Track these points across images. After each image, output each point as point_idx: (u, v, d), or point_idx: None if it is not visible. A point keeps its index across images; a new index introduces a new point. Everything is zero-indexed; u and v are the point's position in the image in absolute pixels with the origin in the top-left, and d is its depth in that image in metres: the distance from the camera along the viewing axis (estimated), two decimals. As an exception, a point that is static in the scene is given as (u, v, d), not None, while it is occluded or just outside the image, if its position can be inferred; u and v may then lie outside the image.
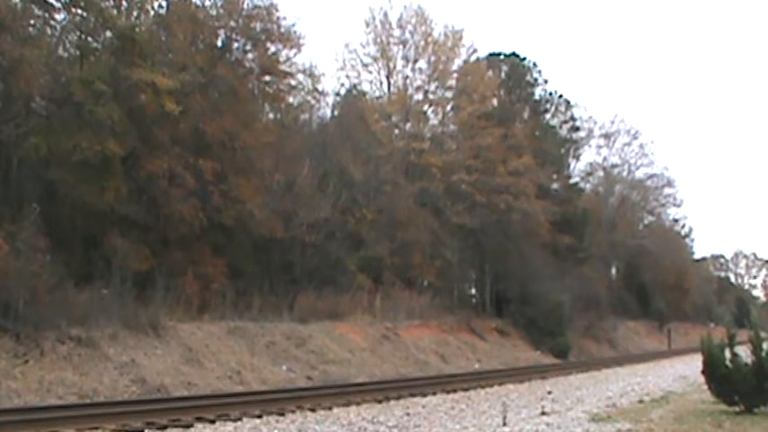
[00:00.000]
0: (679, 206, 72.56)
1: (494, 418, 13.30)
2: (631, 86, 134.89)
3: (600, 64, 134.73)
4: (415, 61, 39.48)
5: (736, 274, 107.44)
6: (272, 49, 28.30)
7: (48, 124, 21.46)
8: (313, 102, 34.80)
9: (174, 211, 23.54)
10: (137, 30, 23.66)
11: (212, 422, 12.54)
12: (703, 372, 14.17)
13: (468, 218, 37.45)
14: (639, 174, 66.02)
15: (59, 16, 22.95)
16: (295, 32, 28.26)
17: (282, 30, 27.77)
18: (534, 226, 41.23)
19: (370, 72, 40.23)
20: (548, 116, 51.23)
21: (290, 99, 31.92)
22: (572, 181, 55.32)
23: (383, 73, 40.09)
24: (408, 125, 39.78)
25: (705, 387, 14.66)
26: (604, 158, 63.95)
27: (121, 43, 23.00)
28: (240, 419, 12.96)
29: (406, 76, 39.68)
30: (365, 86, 40.54)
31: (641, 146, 64.70)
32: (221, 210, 24.94)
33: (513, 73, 46.63)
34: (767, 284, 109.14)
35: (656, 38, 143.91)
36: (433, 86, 40.21)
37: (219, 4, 26.69)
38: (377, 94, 40.55)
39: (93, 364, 16.03)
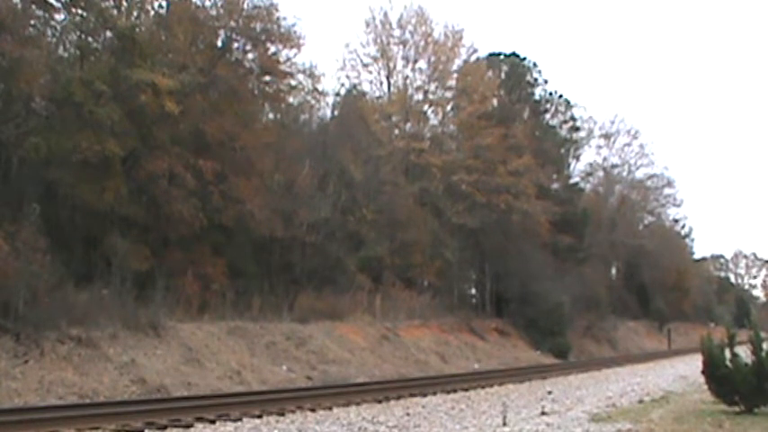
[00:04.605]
0: (679, 206, 72.60)
1: (494, 418, 13.29)
2: (631, 86, 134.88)
3: (600, 64, 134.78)
4: (415, 61, 39.54)
5: (736, 274, 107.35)
6: (272, 49, 28.30)
7: (48, 124, 21.46)
8: (313, 102, 34.85)
9: (174, 211, 23.54)
10: (137, 30, 23.68)
11: (212, 422, 12.53)
12: (703, 372, 14.15)
13: (468, 218, 37.44)
14: (639, 174, 66.09)
15: (59, 16, 22.99)
16: (295, 32, 28.30)
17: (282, 30, 27.77)
18: (534, 226, 41.24)
19: (370, 72, 40.32)
20: (548, 116, 51.24)
21: (290, 99, 31.95)
22: (572, 181, 55.33)
23: (383, 73, 40.17)
24: (408, 125, 39.80)
25: (705, 387, 14.64)
26: (604, 158, 64.02)
27: (121, 43, 23.01)
28: (240, 419, 12.95)
29: (406, 76, 39.74)
30: (365, 86, 40.65)
31: (641, 146, 64.75)
32: (221, 210, 24.94)
33: (513, 73, 46.63)
34: (767, 284, 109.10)
35: (656, 38, 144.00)
36: (433, 86, 40.25)
37: (219, 4, 26.69)
38: (377, 94, 40.66)
39: (93, 364, 16.03)
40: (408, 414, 14.37)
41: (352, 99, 39.09)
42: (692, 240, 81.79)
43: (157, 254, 23.41)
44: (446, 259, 37.31)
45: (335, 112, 38.64)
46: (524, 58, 47.82)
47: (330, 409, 14.90)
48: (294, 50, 28.80)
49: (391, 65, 39.90)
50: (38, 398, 13.97)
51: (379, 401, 16.49)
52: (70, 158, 20.83)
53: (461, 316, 35.82)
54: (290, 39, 28.24)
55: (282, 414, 13.87)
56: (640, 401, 16.61)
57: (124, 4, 24.63)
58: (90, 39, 23.99)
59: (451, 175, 37.93)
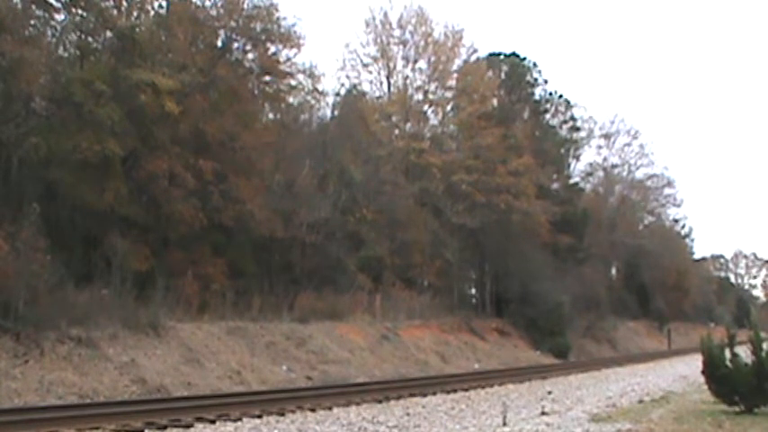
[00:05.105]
0: (679, 206, 72.60)
1: (494, 418, 13.29)
2: (631, 86, 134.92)
3: (600, 64, 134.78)
4: (415, 61, 39.55)
5: (736, 274, 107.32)
6: (272, 49, 28.32)
7: (48, 124, 21.46)
8: (313, 102, 34.81)
9: (174, 211, 23.55)
10: (137, 30, 23.68)
11: (212, 422, 12.53)
12: (703, 372, 14.16)
13: (468, 218, 37.43)
14: (639, 174, 66.11)
15: (59, 16, 23.00)
16: (295, 32, 28.30)
17: (282, 30, 27.78)
18: (534, 226, 41.23)
19: (370, 72, 40.35)
20: (548, 116, 51.23)
21: (290, 99, 31.93)
22: (572, 181, 55.34)
23: (383, 73, 40.20)
24: (408, 125, 39.79)
25: (705, 387, 14.65)
26: (604, 158, 64.03)
27: (121, 43, 23.03)
28: (240, 419, 12.96)
29: (406, 76, 39.74)
30: (365, 86, 40.67)
31: (641, 146, 64.78)
32: (221, 210, 24.94)
33: (513, 73, 46.61)
34: (767, 284, 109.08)
35: (656, 38, 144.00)
36: (433, 86, 40.26)
37: (219, 4, 26.70)
38: (377, 94, 40.68)
39: (93, 364, 16.03)
40: (408, 414, 14.37)
41: (352, 99, 39.08)
42: (692, 240, 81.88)
43: (157, 254, 23.41)
44: (446, 259, 37.31)
45: (335, 112, 38.63)
46: (524, 58, 47.83)
47: (330, 409, 14.90)
48: (294, 50, 28.85)
49: (391, 65, 39.95)
50: (38, 398, 13.96)
51: (379, 401, 16.49)
52: (70, 158, 20.83)
53: (461, 316, 35.80)
54: (290, 39, 28.24)
55: (282, 414, 13.87)
56: (640, 401, 16.61)
57: (124, 4, 24.63)
58: (90, 39, 23.99)
59: (451, 175, 37.93)
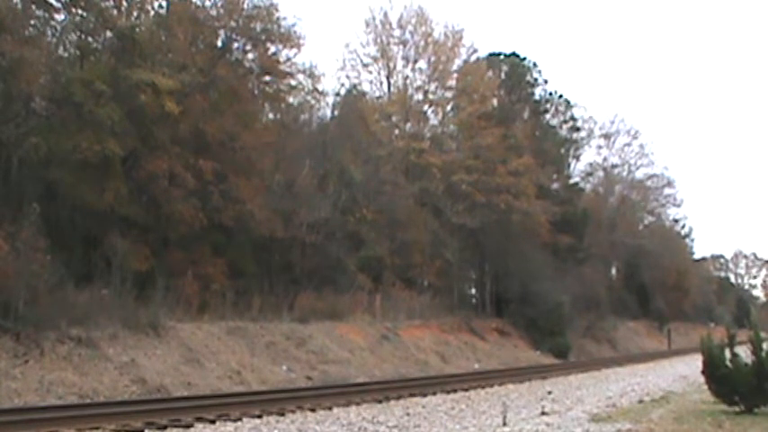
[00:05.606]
0: (679, 206, 72.62)
1: (494, 418, 13.30)
2: (631, 86, 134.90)
3: (600, 64, 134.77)
4: (415, 61, 39.56)
5: (736, 274, 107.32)
6: (272, 49, 28.33)
7: (48, 124, 21.47)
8: (313, 102, 34.81)
9: (174, 211, 23.55)
10: (137, 30, 23.69)
11: (212, 422, 12.54)
12: (703, 372, 14.16)
13: (468, 218, 37.43)
14: (639, 174, 66.13)
15: (59, 16, 23.01)
16: (295, 32, 28.31)
17: (282, 30, 27.79)
18: (534, 226, 41.24)
19: (370, 72, 40.37)
20: (548, 116, 51.25)
21: (290, 99, 31.94)
22: (572, 181, 55.36)
23: (383, 73, 40.22)
24: (408, 125, 39.80)
25: (705, 387, 14.65)
26: (604, 158, 64.05)
27: (121, 43, 23.04)
28: (240, 419, 12.96)
29: (406, 76, 39.75)
30: (365, 86, 40.69)
31: (641, 146, 64.81)
32: (221, 210, 24.94)
33: (513, 73, 46.62)
34: (767, 284, 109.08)
35: (656, 38, 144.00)
36: (433, 86, 40.27)
37: (219, 4, 26.71)
38: (377, 94, 40.70)
39: (93, 364, 16.03)
40: (408, 414, 14.37)
41: (352, 99, 39.08)
42: (692, 240, 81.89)
43: (157, 254, 23.42)
44: (446, 259, 37.32)
45: (335, 112, 38.62)
46: (524, 58, 47.83)
47: (330, 409, 14.90)
48: (294, 50, 28.87)
49: (391, 65, 39.96)
50: (38, 398, 13.97)
51: (379, 401, 16.50)
52: (70, 158, 20.84)
53: (461, 316, 35.80)
54: (290, 39, 28.25)
55: (282, 414, 13.87)
56: (640, 401, 16.61)
57: (124, 4, 24.64)
58: (90, 39, 24.00)
59: (451, 175, 37.93)
